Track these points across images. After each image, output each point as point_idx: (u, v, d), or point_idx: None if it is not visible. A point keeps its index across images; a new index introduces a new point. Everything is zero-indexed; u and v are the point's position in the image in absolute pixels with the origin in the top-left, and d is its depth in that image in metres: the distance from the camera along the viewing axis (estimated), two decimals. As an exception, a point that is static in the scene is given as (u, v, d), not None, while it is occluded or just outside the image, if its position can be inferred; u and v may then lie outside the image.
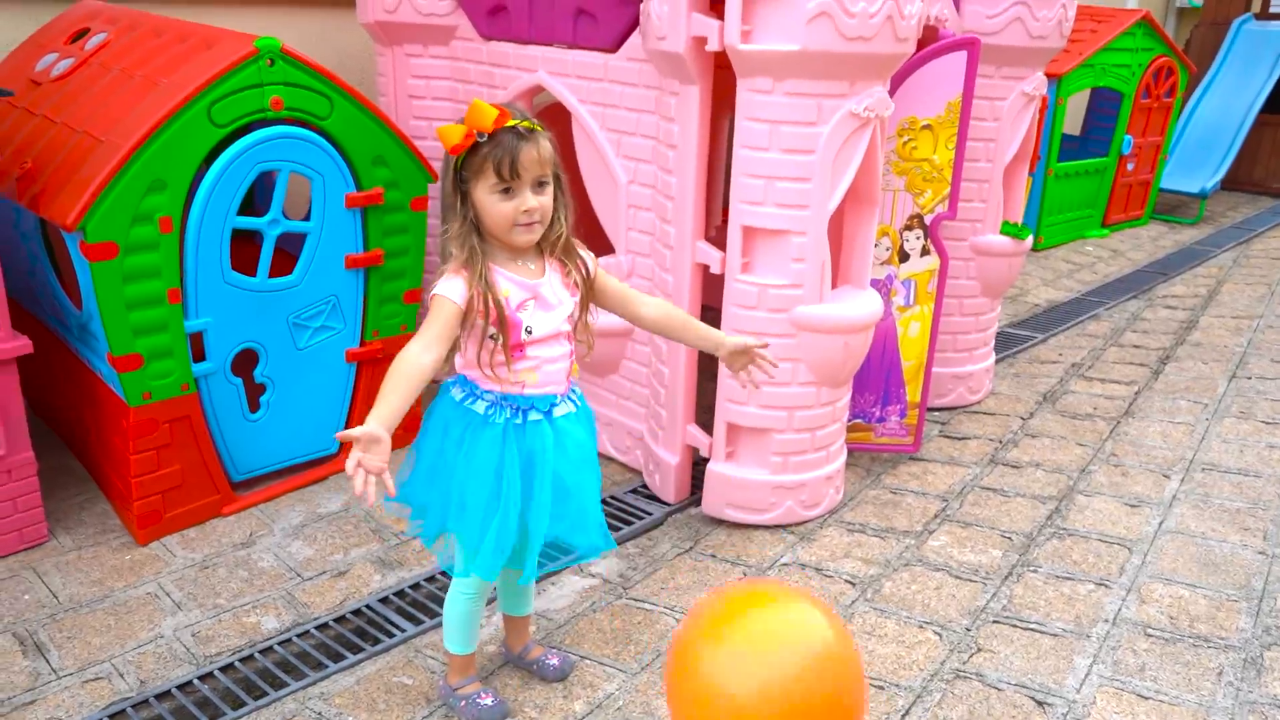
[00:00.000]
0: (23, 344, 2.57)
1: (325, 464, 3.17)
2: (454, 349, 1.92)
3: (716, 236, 2.92)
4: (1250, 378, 4.14)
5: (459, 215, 1.88)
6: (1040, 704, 2.17)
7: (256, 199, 3.22)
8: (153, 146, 2.48)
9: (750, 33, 2.48)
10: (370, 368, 3.14)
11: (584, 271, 1.98)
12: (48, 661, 2.30)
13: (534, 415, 1.93)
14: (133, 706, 2.17)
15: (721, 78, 2.67)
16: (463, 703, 2.16)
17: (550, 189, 1.89)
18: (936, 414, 3.73)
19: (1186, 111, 7.78)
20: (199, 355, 2.76)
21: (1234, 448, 3.46)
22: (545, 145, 1.86)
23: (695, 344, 2.16)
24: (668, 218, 2.85)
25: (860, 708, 1.52)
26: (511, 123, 1.83)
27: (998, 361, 4.23)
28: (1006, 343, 4.54)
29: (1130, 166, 6.91)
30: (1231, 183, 8.23)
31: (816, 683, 1.46)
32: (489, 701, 2.16)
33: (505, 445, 1.92)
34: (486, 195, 1.84)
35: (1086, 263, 6.17)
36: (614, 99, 2.96)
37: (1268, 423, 3.67)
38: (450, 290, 1.86)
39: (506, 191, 1.84)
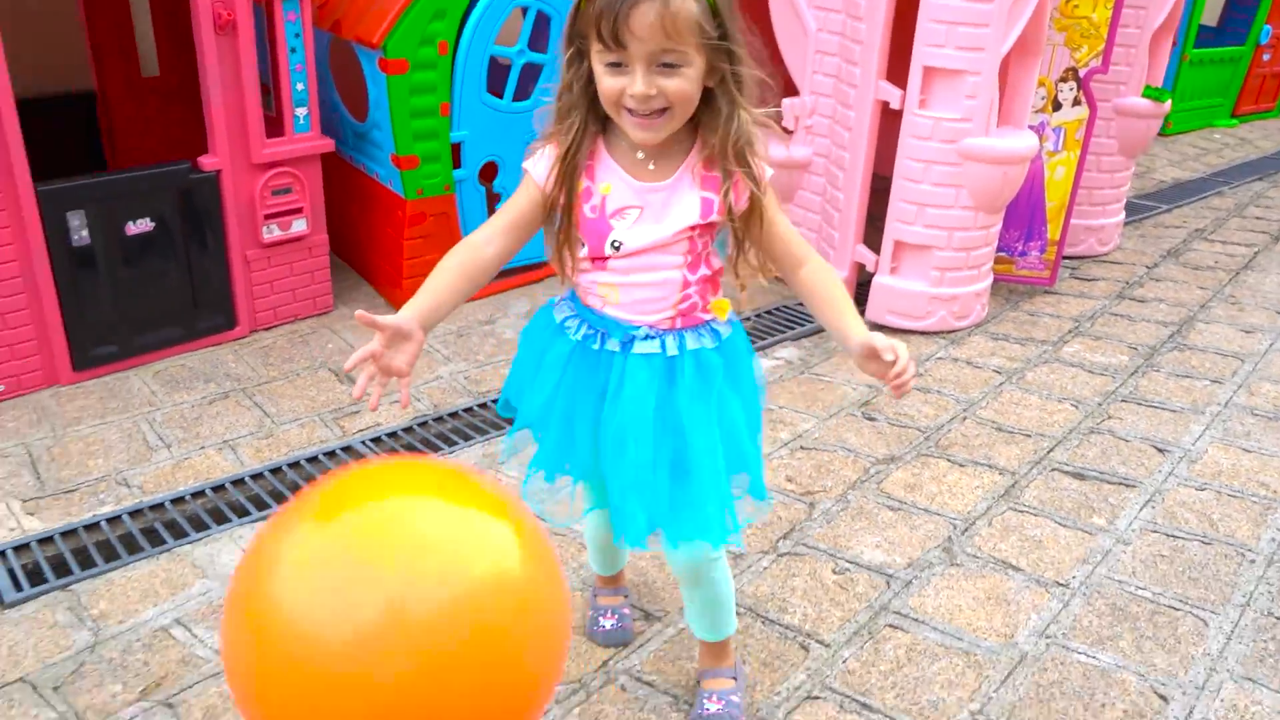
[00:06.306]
0: (327, 142, 3.16)
1: (542, 267, 3.75)
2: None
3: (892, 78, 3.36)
4: (1367, 245, 4.45)
5: (569, 74, 1.41)
6: (1161, 451, 2.67)
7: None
8: (440, -20, 3.01)
9: (946, -108, 2.88)
10: (582, 188, 3.68)
11: (747, 191, 1.44)
12: (359, 388, 2.94)
13: (610, 344, 1.49)
14: (433, 419, 2.81)
15: (913, -66, 3.08)
16: (590, 614, 2.00)
17: (689, 72, 1.32)
18: (1068, 261, 4.15)
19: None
20: (457, 163, 3.33)
21: (1347, 294, 3.84)
22: (685, 7, 1.27)
23: (827, 326, 1.53)
24: (854, 59, 3.29)
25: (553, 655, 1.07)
26: None
27: (1124, 225, 4.60)
28: (1132, 210, 4.88)
29: (1266, 57, 7.02)
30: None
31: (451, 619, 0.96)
32: (608, 624, 1.95)
33: (568, 365, 1.52)
34: (597, 64, 1.35)
35: (1214, 148, 6.39)
36: (810, -45, 3.39)
37: (1380, 277, 4.02)
38: (537, 167, 1.46)
39: (616, 66, 1.32)
